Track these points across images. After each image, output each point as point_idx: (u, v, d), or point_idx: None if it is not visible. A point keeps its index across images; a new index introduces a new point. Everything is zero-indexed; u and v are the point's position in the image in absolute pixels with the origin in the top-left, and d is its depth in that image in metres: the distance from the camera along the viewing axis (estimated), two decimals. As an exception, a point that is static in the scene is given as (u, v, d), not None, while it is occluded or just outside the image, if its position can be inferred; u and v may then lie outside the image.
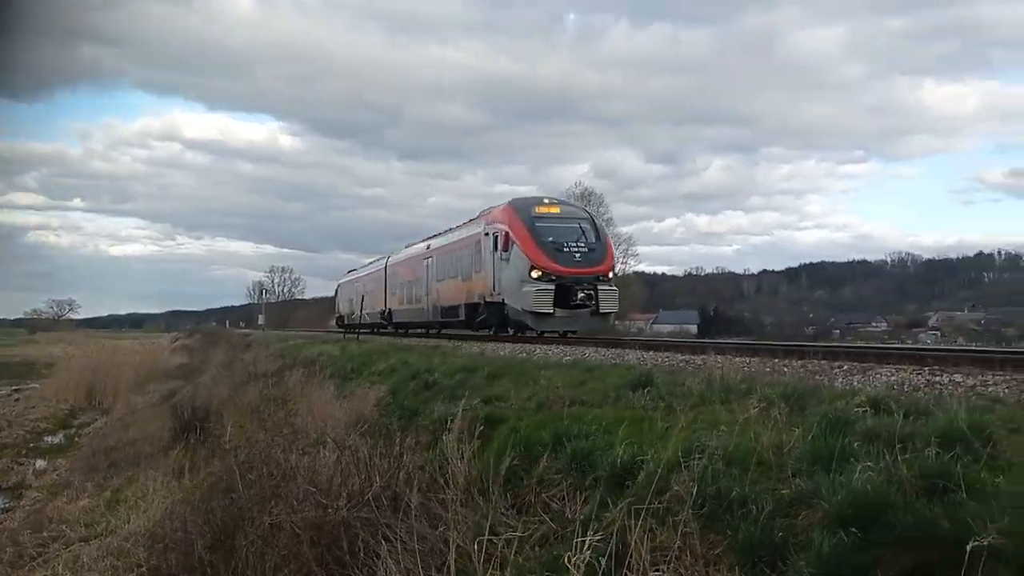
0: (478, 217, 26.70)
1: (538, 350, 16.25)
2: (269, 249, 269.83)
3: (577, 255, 21.69)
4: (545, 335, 22.34)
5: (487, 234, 23.92)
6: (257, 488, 8.22)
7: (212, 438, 14.55)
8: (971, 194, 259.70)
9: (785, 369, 9.96)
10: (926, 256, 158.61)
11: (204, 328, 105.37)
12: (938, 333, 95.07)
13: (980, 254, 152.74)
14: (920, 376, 8.38)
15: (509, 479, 7.17)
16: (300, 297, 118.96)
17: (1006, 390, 7.13)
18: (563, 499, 6.53)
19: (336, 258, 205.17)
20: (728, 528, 4.88)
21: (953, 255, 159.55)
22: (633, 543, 4.96)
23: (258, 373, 23.04)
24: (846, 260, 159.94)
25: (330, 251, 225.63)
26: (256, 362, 27.65)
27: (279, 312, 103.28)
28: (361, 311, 39.25)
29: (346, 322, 47.91)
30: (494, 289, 23.11)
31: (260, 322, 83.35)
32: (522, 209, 23.06)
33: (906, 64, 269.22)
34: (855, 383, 8.32)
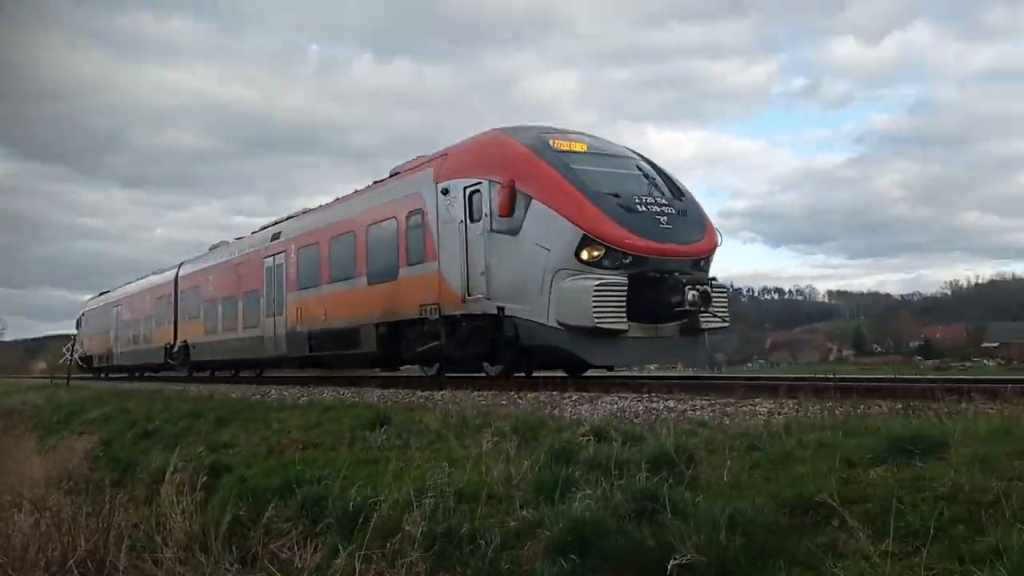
0: (408, 170, 15.49)
1: (273, 391, 15.57)
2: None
3: (662, 219, 12.01)
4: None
5: (446, 191, 13.41)
6: (-68, 564, 7.07)
7: None
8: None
9: (520, 401, 10.26)
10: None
11: None
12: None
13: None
14: (640, 403, 8.96)
15: (235, 531, 6.72)
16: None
17: (710, 413, 7.79)
18: (292, 548, 6.21)
19: (46, 295, 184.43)
20: (458, 565, 4.89)
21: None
22: (361, 589, 4.80)
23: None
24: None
25: (38, 287, 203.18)
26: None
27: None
28: (77, 349, 34.82)
29: (96, 363, 37.21)
30: (470, 291, 12.80)
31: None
32: (533, 140, 12.76)
33: (630, 111, 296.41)
34: (583, 412, 8.74)
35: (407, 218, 14.54)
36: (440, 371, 16.00)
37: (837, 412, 6.82)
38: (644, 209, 11.95)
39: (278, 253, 19.88)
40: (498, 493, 5.58)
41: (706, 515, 4.22)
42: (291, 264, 19.09)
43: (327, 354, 17.58)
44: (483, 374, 14.51)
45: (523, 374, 13.83)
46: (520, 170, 12.17)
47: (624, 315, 11.14)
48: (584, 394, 10.32)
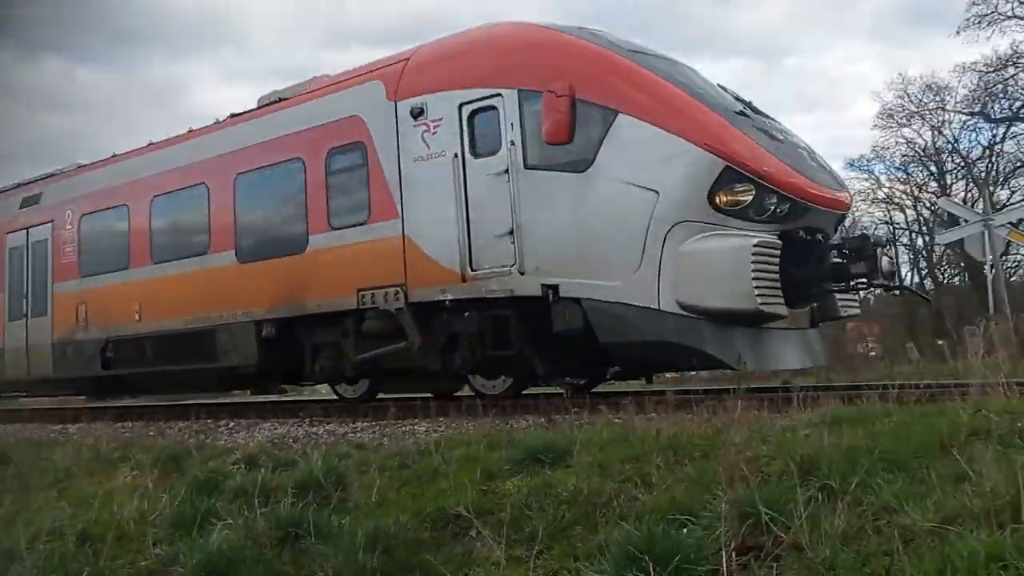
0: (324, 87, 10.71)
1: None
2: None
3: (804, 153, 8.57)
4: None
5: (418, 112, 9.22)
6: None
7: None
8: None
9: (168, 430, 9.66)
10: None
11: None
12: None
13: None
14: (300, 428, 8.83)
15: None
16: None
17: (371, 435, 7.88)
18: None
19: None
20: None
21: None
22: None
23: None
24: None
25: None
26: None
27: None
28: None
29: None
30: (475, 263, 8.67)
31: None
32: (586, 34, 8.88)
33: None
34: (239, 440, 8.44)
35: (328, 158, 9.94)
36: (373, 391, 11.06)
37: (486, 427, 7.23)
38: (782, 137, 8.33)
39: (36, 226, 13.88)
40: (130, 532, 5.13)
41: (349, 536, 4.22)
42: (65, 240, 13.28)
43: (144, 372, 11.96)
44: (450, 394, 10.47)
45: (561, 394, 9.13)
46: (587, 72, 8.18)
47: (778, 293, 7.49)
48: (241, 420, 9.96)
